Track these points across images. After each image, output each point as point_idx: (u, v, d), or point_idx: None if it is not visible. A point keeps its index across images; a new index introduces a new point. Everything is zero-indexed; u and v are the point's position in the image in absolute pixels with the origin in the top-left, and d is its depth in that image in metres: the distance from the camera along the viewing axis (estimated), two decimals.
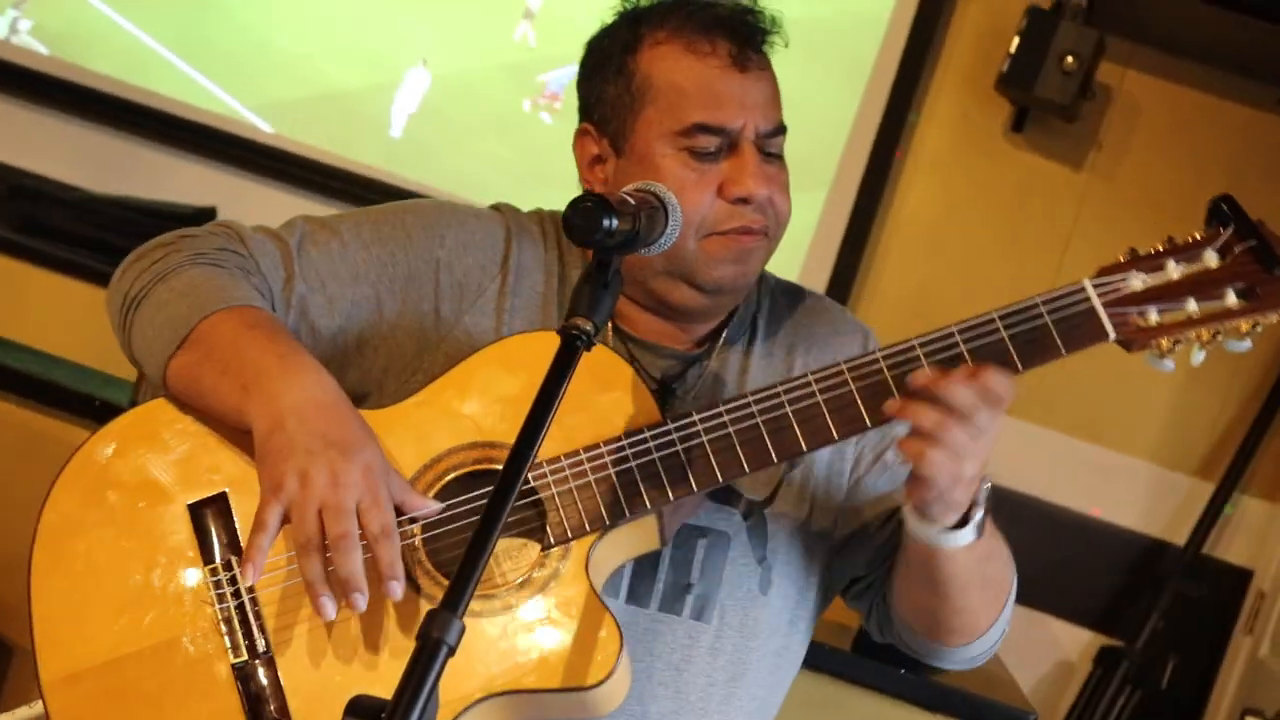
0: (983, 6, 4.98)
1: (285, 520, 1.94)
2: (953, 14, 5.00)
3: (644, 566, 2.17)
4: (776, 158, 2.21)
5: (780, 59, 2.26)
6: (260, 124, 5.12)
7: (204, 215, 4.89)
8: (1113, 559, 4.91)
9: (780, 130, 2.21)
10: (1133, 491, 4.91)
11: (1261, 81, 4.86)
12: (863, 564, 2.30)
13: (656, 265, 2.17)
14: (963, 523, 2.04)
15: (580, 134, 2.28)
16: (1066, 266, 4.90)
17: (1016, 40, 4.72)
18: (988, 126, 4.97)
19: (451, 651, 1.61)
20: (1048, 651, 4.86)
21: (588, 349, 1.83)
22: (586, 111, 2.28)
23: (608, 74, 2.23)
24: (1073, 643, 4.89)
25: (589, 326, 1.83)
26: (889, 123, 4.97)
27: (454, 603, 1.64)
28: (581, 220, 1.83)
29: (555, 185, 2.43)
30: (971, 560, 2.09)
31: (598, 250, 1.88)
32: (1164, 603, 4.72)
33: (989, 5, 4.97)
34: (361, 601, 1.92)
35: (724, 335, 2.28)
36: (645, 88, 2.18)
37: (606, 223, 1.83)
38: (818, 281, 4.89)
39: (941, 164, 5.03)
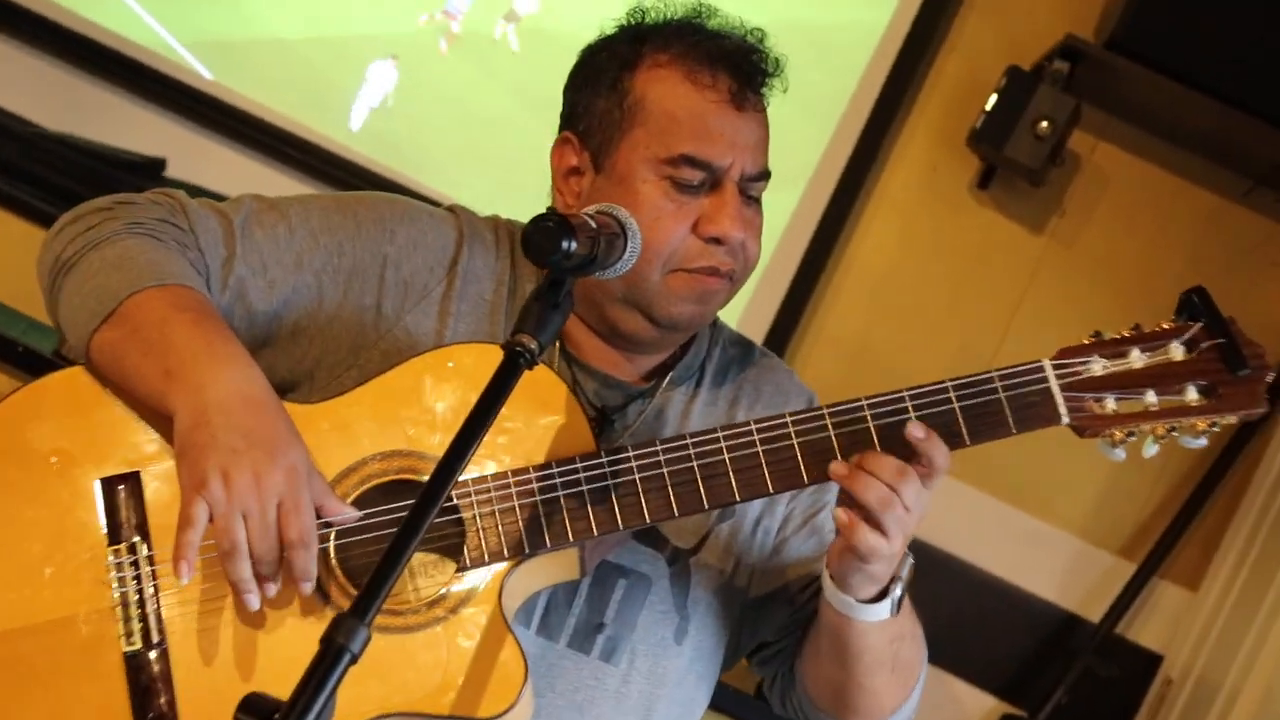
0: (963, 60, 4.99)
1: (209, 518, 1.91)
2: (932, 64, 5.01)
3: (559, 598, 2.15)
4: (755, 201, 2.20)
5: None
6: (226, 86, 5.08)
7: (154, 166, 4.85)
8: (1025, 627, 4.92)
9: (765, 175, 2.20)
10: (1053, 562, 4.91)
11: (1234, 170, 4.89)
12: (775, 628, 2.29)
13: (615, 292, 2.15)
14: (880, 596, 2.04)
15: (561, 142, 2.25)
16: (1014, 330, 4.93)
17: (994, 98, 4.72)
18: (954, 180, 4.98)
19: (354, 659, 1.59)
20: (949, 713, 4.87)
21: (530, 367, 1.82)
22: (571, 120, 2.25)
23: (600, 87, 2.21)
24: (975, 706, 4.90)
25: (534, 345, 1.82)
26: (856, 163, 4.97)
27: (362, 610, 1.62)
28: (541, 239, 1.82)
29: (527, 191, 2.41)
30: (884, 638, 2.09)
31: (553, 270, 1.87)
32: (1072, 677, 4.74)
33: (970, 60, 4.98)
34: (264, 595, 1.93)
35: (670, 375, 2.27)
36: (637, 108, 2.16)
37: (565, 244, 1.82)
38: (763, 314, 4.88)
39: (903, 211, 5.03)
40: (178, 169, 4.89)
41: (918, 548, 2.08)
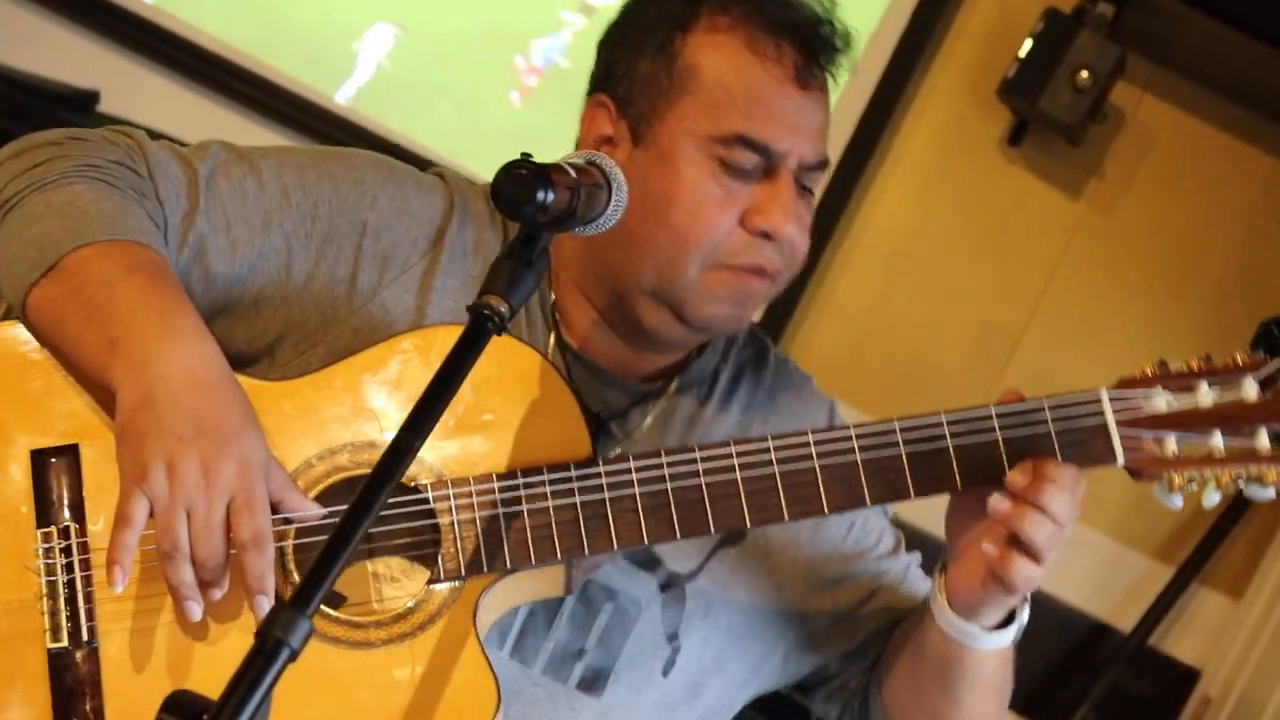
0: (995, 1, 4.97)
1: (150, 513, 1.86)
2: (960, 4, 4.99)
3: (538, 618, 2.13)
4: (809, 193, 2.16)
5: None
6: (168, 12, 5.06)
7: (86, 99, 4.83)
8: (1049, 635, 4.92)
9: (823, 164, 2.16)
10: (1081, 565, 4.90)
11: None
12: (838, 658, 2.28)
13: (643, 281, 2.12)
14: (1006, 621, 2.05)
15: (595, 105, 2.20)
16: (1044, 306, 4.92)
17: (1028, 44, 4.71)
18: (982, 134, 4.96)
19: (294, 655, 1.57)
20: None
21: (499, 332, 1.80)
22: (608, 82, 2.20)
23: (646, 47, 2.15)
24: None
25: (503, 308, 1.80)
26: (872, 114, 4.93)
27: (303, 601, 1.59)
28: (513, 188, 1.79)
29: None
30: (999, 661, 2.09)
31: (526, 224, 1.84)
32: (1099, 692, 4.74)
33: (1002, 0, 4.96)
34: (217, 595, 1.89)
35: (681, 378, 2.24)
36: (688, 76, 2.11)
37: (541, 195, 1.79)
38: None
39: (923, 169, 5.02)
40: (113, 103, 4.86)
41: (928, 544, 2.07)
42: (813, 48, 2.13)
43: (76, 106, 4.80)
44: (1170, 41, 4.78)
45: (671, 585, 2.18)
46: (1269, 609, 4.68)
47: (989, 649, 2.05)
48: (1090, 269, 4.95)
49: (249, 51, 5.03)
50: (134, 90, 4.93)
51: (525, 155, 2.03)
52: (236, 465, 1.87)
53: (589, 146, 2.18)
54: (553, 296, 2.22)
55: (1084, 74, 4.64)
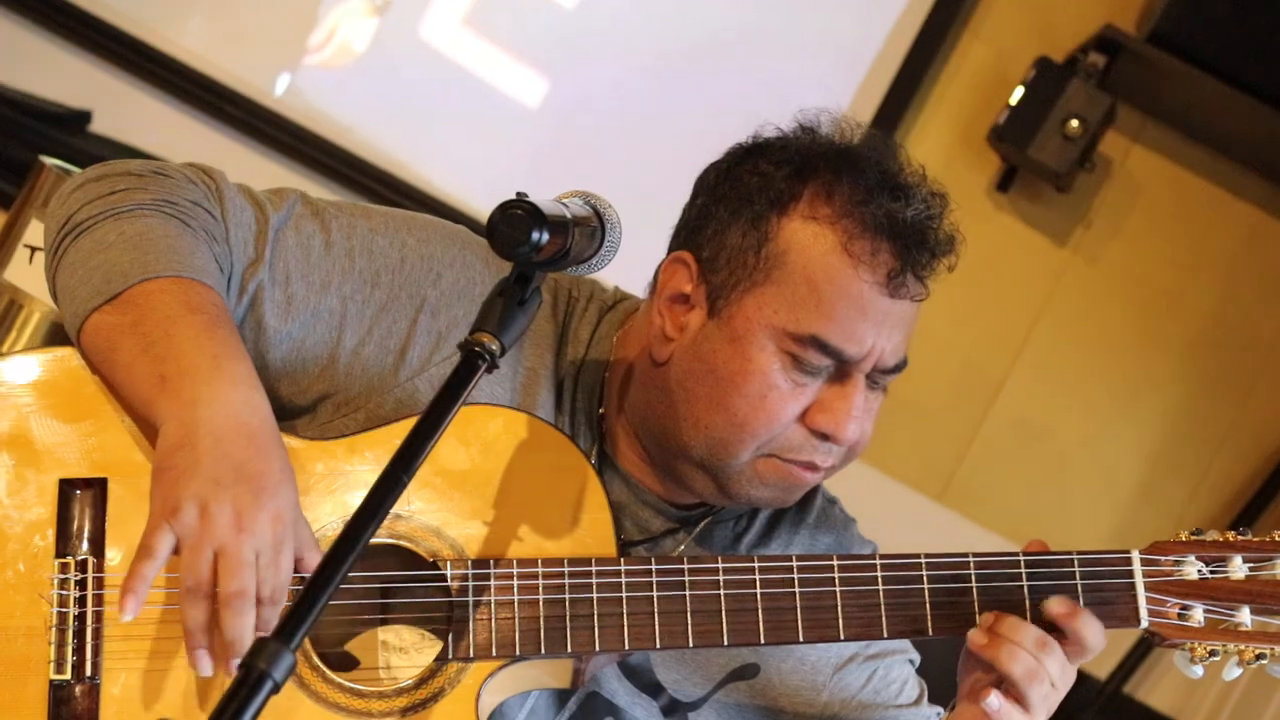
0: (989, 48, 5.00)
1: (175, 550, 1.82)
2: (954, 50, 5.01)
3: (539, 713, 2.11)
4: (881, 390, 2.11)
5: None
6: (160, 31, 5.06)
7: (78, 118, 4.84)
8: None
9: (901, 367, 2.10)
10: None
11: (1279, 184, 4.91)
12: None
13: (693, 452, 2.08)
14: None
15: (676, 262, 2.12)
16: (1029, 353, 4.93)
17: (1019, 91, 4.74)
18: (971, 180, 4.97)
19: (276, 687, 1.57)
20: None
21: (490, 370, 1.80)
22: (694, 238, 2.12)
23: (741, 216, 2.07)
24: None
25: (494, 346, 1.80)
26: None
27: (288, 633, 1.60)
28: (508, 228, 1.79)
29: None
30: None
31: (519, 264, 1.84)
32: None
33: (996, 47, 4.98)
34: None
35: (718, 513, 2.22)
36: (777, 263, 2.03)
37: (536, 235, 1.79)
38: None
39: None
40: (105, 123, 4.87)
41: None
42: (911, 256, 2.05)
43: (68, 126, 4.81)
44: (1160, 93, 4.80)
45: (673, 713, 2.16)
46: None
47: None
48: (1075, 316, 4.97)
49: (246, 76, 5.04)
50: (126, 111, 4.93)
51: (520, 194, 2.03)
52: (270, 517, 1.84)
53: (663, 298, 2.12)
54: (601, 410, 2.19)
55: (1074, 123, 4.66)
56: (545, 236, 1.81)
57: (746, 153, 2.12)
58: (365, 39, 5.09)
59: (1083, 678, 4.68)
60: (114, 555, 1.94)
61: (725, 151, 2.15)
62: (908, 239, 2.04)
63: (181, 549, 1.82)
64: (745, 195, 2.07)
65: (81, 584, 1.92)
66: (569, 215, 1.89)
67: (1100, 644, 1.96)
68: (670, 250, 2.15)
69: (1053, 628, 1.96)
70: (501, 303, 1.83)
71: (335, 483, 1.99)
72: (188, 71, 5.03)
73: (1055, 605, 1.96)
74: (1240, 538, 1.99)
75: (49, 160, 3.05)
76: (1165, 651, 4.74)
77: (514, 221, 1.80)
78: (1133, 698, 4.88)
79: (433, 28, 5.05)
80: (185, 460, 1.83)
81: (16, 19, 5.00)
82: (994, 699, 1.94)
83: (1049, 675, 1.94)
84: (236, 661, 1.79)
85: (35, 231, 2.98)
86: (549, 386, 2.16)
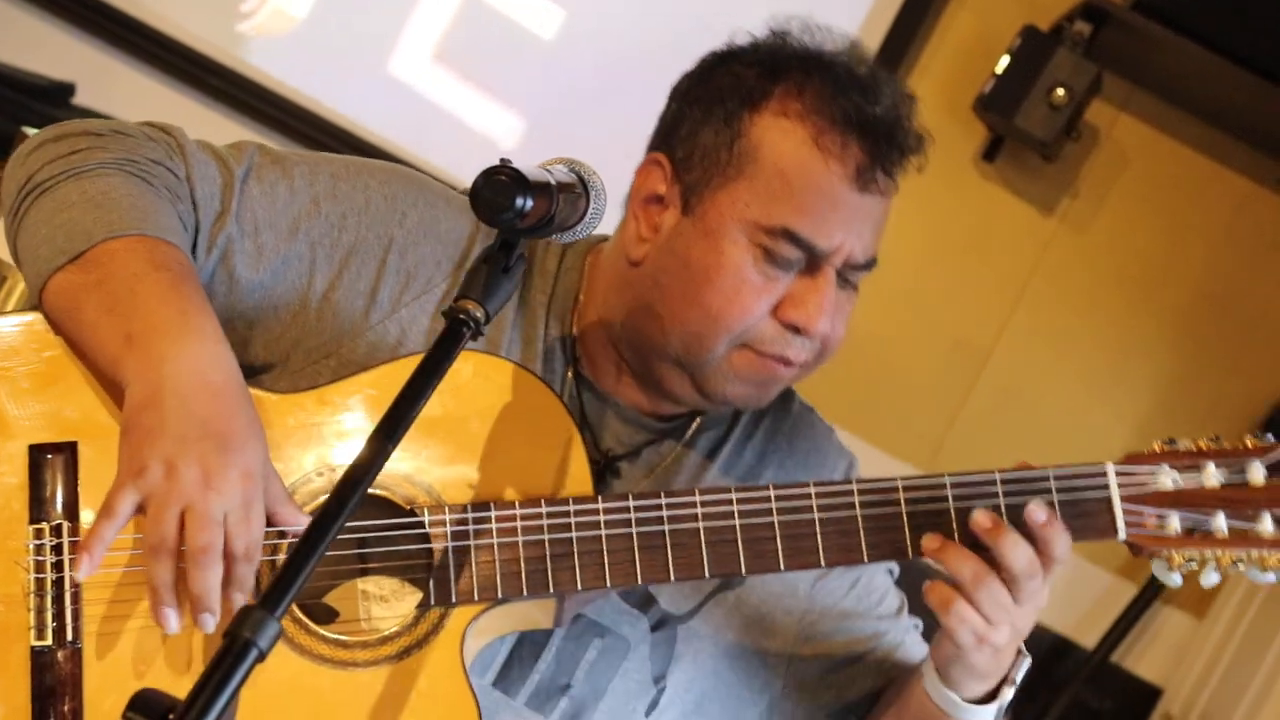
0: (974, 16, 4.99)
1: (138, 510, 1.82)
2: (938, 19, 5.00)
3: (525, 649, 2.13)
4: (853, 287, 2.14)
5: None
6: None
7: (61, 91, 4.83)
8: None
9: (871, 264, 2.13)
10: None
11: (1267, 153, 4.91)
12: (824, 715, 2.27)
13: (669, 349, 2.10)
14: (989, 697, 2.04)
15: (651, 163, 2.16)
16: (1015, 323, 4.93)
17: (1005, 60, 4.73)
18: (956, 150, 4.97)
19: (261, 656, 1.56)
20: None
21: (474, 337, 1.80)
22: (668, 139, 2.16)
23: (714, 115, 2.11)
24: None
25: (479, 313, 1.80)
26: None
27: (273, 601, 1.59)
28: (492, 194, 1.78)
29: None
30: None
31: (503, 230, 1.84)
32: (1059, 709, 4.76)
33: (982, 15, 4.97)
34: (210, 623, 1.82)
35: (699, 421, 2.24)
36: (748, 157, 2.07)
37: (520, 202, 1.78)
38: None
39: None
40: (88, 96, 4.85)
41: None
42: (880, 151, 2.09)
43: (52, 98, 4.79)
44: (1147, 62, 4.80)
45: (663, 625, 2.17)
46: (1231, 628, 4.70)
47: None
48: (1062, 286, 4.97)
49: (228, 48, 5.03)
50: (110, 83, 4.92)
51: (504, 161, 2.03)
52: (238, 473, 1.83)
53: (637, 200, 2.15)
54: (575, 331, 2.20)
55: (1060, 91, 4.65)
56: (529, 203, 1.80)
57: (720, 58, 2.17)
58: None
59: (1070, 648, 4.73)
60: (88, 519, 1.93)
61: (698, 59, 2.19)
62: (877, 134, 2.08)
63: (147, 507, 1.81)
64: (718, 95, 2.12)
65: (57, 549, 1.91)
66: (553, 181, 1.88)
67: (1067, 555, 1.96)
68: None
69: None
70: (486, 270, 1.83)
71: (310, 434, 1.98)
72: (173, 44, 5.02)
73: (1036, 511, 1.96)
74: (1213, 446, 2.00)
75: (31, 132, 3.04)
76: (1152, 620, 4.83)
77: (498, 187, 1.79)
78: (1120, 666, 4.89)
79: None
80: (151, 419, 1.83)
81: None
82: (933, 590, 1.96)
83: (1042, 576, 1.95)
84: (205, 616, 1.80)
85: None
86: (517, 324, 2.17)
